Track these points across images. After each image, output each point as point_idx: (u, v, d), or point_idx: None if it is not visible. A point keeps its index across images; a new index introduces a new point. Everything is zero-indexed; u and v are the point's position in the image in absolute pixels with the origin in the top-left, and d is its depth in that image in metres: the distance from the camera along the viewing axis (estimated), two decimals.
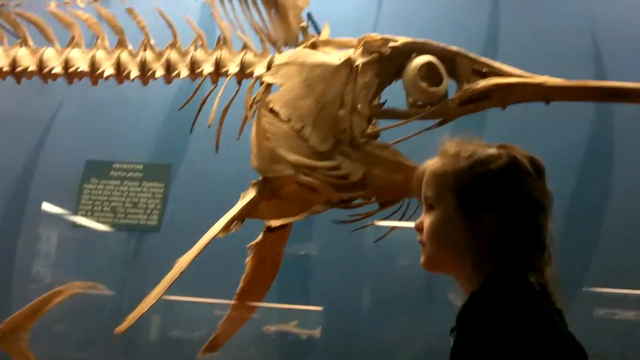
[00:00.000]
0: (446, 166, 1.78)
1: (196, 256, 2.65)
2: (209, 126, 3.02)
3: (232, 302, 3.30)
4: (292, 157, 2.66)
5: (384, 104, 2.80)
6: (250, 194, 2.80)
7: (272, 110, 2.73)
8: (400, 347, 4.44)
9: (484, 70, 2.64)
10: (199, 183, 4.42)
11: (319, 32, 3.14)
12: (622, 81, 2.49)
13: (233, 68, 3.09)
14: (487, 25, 4.64)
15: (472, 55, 2.66)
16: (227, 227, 2.75)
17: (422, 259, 1.87)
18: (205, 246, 2.67)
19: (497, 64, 2.63)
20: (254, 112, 2.86)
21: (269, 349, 4.60)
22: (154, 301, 2.64)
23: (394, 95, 2.75)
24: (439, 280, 4.40)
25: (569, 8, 4.62)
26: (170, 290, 2.67)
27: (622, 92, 2.48)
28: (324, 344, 4.52)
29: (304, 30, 2.99)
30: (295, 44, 3.00)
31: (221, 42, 3.18)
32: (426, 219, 1.81)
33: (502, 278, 1.67)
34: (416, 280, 4.51)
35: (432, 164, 1.82)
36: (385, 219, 2.81)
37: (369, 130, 2.77)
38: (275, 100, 2.74)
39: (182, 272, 2.63)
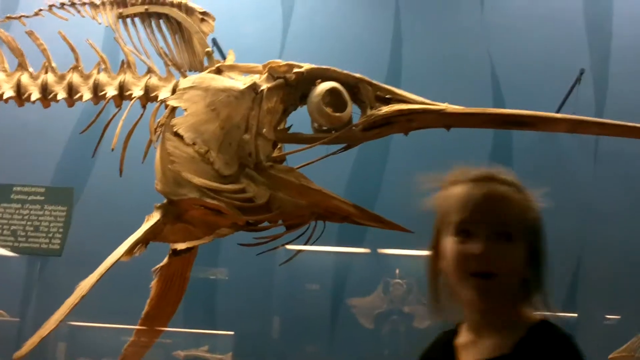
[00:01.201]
0: (527, 202, 1.74)
1: (98, 280, 2.61)
2: (112, 149, 2.99)
3: (136, 326, 3.25)
4: (197, 180, 2.65)
5: (289, 128, 2.85)
6: (155, 217, 2.78)
7: (176, 134, 2.73)
8: None
9: (387, 97, 2.70)
10: (104, 207, 4.37)
11: (224, 57, 3.16)
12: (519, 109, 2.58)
13: (137, 92, 3.08)
14: (390, 54, 4.75)
15: (375, 82, 2.72)
16: (130, 251, 2.72)
17: (488, 292, 1.72)
18: (107, 270, 2.64)
19: (399, 91, 2.70)
20: (159, 135, 2.85)
21: None
22: (54, 325, 2.59)
23: (303, 119, 2.79)
24: (344, 305, 4.48)
25: (470, 41, 4.76)
26: (75, 315, 2.62)
27: (520, 119, 2.57)
28: None
29: (209, 55, 3.00)
30: (200, 69, 3.01)
31: (125, 65, 3.15)
32: (505, 250, 1.71)
33: (552, 328, 1.71)
34: (324, 304, 4.55)
35: (502, 192, 1.74)
36: (292, 242, 2.83)
37: (275, 154, 2.80)
38: (180, 124, 2.74)
39: (82, 297, 2.59)
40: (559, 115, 2.53)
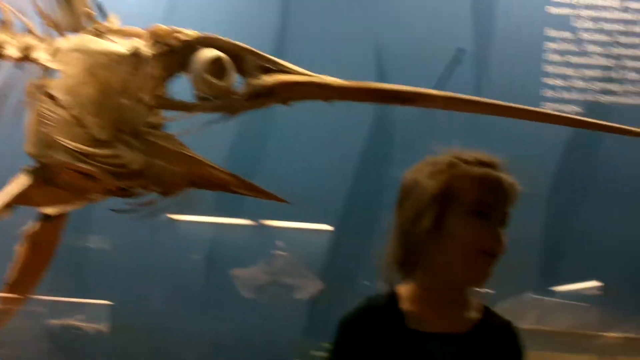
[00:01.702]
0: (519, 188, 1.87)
1: None
2: None
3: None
4: (69, 143, 2.58)
5: (169, 96, 2.79)
6: (23, 180, 2.70)
7: (51, 96, 2.64)
8: (188, 341, 4.43)
9: (270, 68, 2.68)
10: None
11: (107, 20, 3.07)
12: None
13: (12, 51, 2.96)
14: (277, 26, 4.73)
15: (259, 52, 2.70)
16: None
17: (490, 272, 1.85)
18: None
19: (282, 62, 2.68)
20: (32, 97, 2.76)
21: (53, 343, 4.45)
22: None
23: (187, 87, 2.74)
24: (226, 276, 4.46)
25: (356, 17, 4.78)
26: None
27: (399, 94, 2.59)
28: (112, 339, 4.43)
29: (91, 17, 2.90)
30: (79, 30, 2.90)
31: (1, 23, 3.03)
32: (504, 234, 1.84)
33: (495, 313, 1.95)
34: (206, 275, 4.53)
35: (513, 181, 1.86)
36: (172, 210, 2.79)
37: (155, 120, 2.75)
38: (56, 86, 2.66)
39: None
40: (435, 91, 2.55)
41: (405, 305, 1.86)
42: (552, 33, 4.79)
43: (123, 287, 4.45)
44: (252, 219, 4.68)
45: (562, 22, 4.80)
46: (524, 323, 3.78)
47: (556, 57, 4.78)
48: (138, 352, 4.40)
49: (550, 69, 4.77)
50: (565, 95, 4.75)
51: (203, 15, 4.61)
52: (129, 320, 4.44)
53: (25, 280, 3.15)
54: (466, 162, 1.88)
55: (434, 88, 2.58)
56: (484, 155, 1.90)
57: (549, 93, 4.73)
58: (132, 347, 4.40)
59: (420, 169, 1.93)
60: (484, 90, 4.55)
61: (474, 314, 1.88)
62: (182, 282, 4.58)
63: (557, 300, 4.10)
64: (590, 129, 2.54)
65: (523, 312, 3.88)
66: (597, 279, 4.48)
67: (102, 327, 4.44)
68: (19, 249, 3.11)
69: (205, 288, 4.55)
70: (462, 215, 1.81)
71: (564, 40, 4.80)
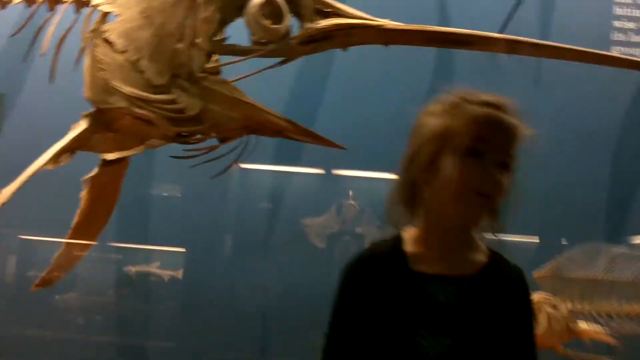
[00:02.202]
0: (524, 131, 1.80)
1: (19, 188, 2.56)
2: (43, 54, 2.90)
3: (67, 238, 3.22)
4: (127, 89, 2.58)
5: (225, 39, 2.76)
6: (82, 125, 2.72)
7: (107, 41, 2.64)
8: (262, 287, 4.48)
9: (326, 11, 2.63)
10: (36, 114, 4.26)
11: None
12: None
13: None
14: None
15: None
16: (55, 159, 2.67)
17: (482, 213, 1.80)
18: (28, 177, 2.59)
19: (339, 5, 2.63)
20: (90, 41, 2.76)
21: (131, 290, 4.55)
22: None
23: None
24: (297, 224, 4.47)
25: None
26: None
27: (458, 38, 2.54)
28: (187, 285, 4.51)
29: None
30: None
31: None
32: (505, 178, 1.77)
33: (504, 257, 1.87)
34: (276, 223, 4.56)
35: (515, 123, 1.79)
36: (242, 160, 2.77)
37: (211, 65, 2.73)
38: (112, 30, 2.66)
39: (3, 204, 2.54)
40: (496, 34, 2.50)
41: (409, 247, 1.84)
42: None
43: (195, 235, 4.50)
44: (321, 168, 4.67)
45: None
46: (592, 272, 3.76)
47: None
48: (211, 298, 4.47)
49: (620, 11, 4.60)
50: (635, 38, 4.59)
51: None
52: (201, 267, 4.50)
53: (89, 225, 3.21)
54: (470, 102, 1.82)
55: (499, 32, 2.53)
56: (490, 96, 1.83)
57: (619, 36, 4.58)
58: (205, 294, 4.47)
59: (426, 109, 1.89)
60: (552, 34, 4.42)
61: (480, 257, 1.84)
62: (253, 230, 4.61)
63: (626, 250, 4.01)
64: None
65: (591, 261, 3.82)
66: None
67: (177, 274, 4.51)
68: (83, 195, 3.15)
69: (275, 237, 4.58)
70: (458, 154, 1.77)
71: None
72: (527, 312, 1.84)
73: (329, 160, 4.49)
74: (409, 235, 1.87)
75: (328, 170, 4.65)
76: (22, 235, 4.39)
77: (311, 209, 4.61)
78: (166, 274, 4.52)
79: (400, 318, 1.76)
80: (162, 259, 4.54)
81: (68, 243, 3.23)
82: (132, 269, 4.52)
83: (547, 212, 4.23)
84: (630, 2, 4.60)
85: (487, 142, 1.77)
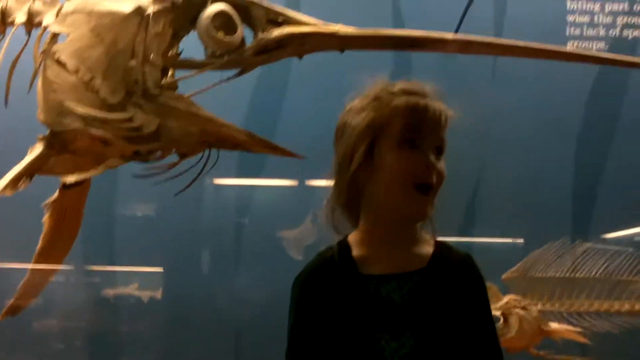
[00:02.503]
0: (449, 113, 1.82)
1: None
2: None
3: (30, 264, 3.19)
4: (81, 109, 2.54)
5: (180, 54, 2.75)
6: (38, 148, 2.69)
7: (58, 61, 2.61)
8: (241, 302, 4.47)
9: (279, 20, 2.62)
10: None
11: None
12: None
13: (20, 17, 2.93)
14: None
15: (266, 4, 2.64)
16: (13, 185, 2.63)
17: (428, 205, 1.79)
18: None
19: (291, 13, 2.62)
20: (41, 63, 2.73)
21: (109, 312, 4.52)
22: None
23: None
24: (273, 238, 4.45)
25: None
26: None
27: (412, 40, 2.54)
28: (166, 304, 4.48)
29: None
30: None
31: None
32: (441, 164, 1.79)
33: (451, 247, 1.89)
34: (253, 237, 4.54)
35: (442, 106, 1.80)
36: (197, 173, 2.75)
37: (167, 80, 2.71)
38: (62, 50, 2.62)
39: None
40: (449, 35, 2.49)
41: (355, 251, 1.84)
42: None
43: (172, 253, 4.47)
44: (294, 179, 4.65)
45: None
46: (560, 270, 3.78)
47: None
48: (191, 316, 4.44)
49: (573, 5, 4.64)
50: (590, 32, 4.63)
51: None
52: (180, 285, 4.47)
53: (54, 250, 3.18)
54: (391, 93, 1.84)
55: (453, 31, 2.53)
56: (409, 84, 1.87)
57: (575, 30, 4.62)
58: (185, 311, 4.45)
59: (349, 108, 1.90)
60: (507, 31, 4.45)
61: (427, 249, 1.84)
62: (229, 245, 4.59)
63: (593, 245, 4.04)
64: (617, 66, 2.47)
65: (559, 259, 3.84)
66: None
67: (156, 293, 4.48)
68: (45, 220, 3.12)
69: (251, 250, 4.56)
70: (391, 147, 1.77)
71: None
72: (482, 295, 1.84)
73: (302, 170, 4.48)
74: (354, 238, 1.87)
75: (301, 181, 4.64)
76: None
77: (286, 220, 4.60)
78: (145, 294, 4.49)
79: (359, 325, 1.76)
80: (140, 279, 4.51)
81: (33, 269, 3.19)
82: (111, 292, 4.48)
83: (512, 210, 4.26)
84: None
85: (418, 131, 1.77)
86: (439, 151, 1.79)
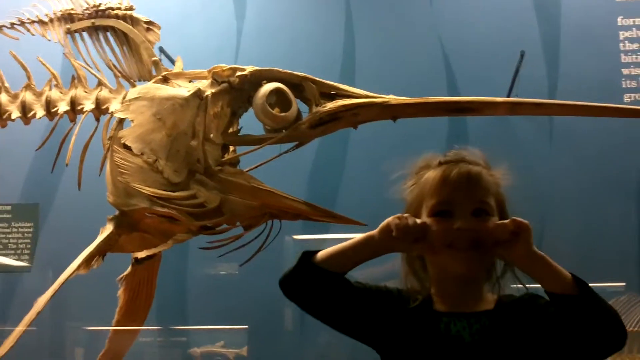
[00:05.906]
0: (497, 179, 1.89)
1: (53, 294, 2.66)
2: (67, 164, 3.03)
3: (109, 335, 3.29)
4: (147, 189, 2.69)
5: (238, 131, 2.87)
6: (108, 229, 2.83)
7: (124, 146, 2.77)
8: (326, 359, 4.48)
9: (331, 93, 2.72)
10: (68, 221, 4.39)
11: (174, 64, 3.19)
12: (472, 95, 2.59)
13: (89, 105, 3.12)
14: (342, 49, 4.75)
15: (319, 79, 2.75)
16: (86, 264, 2.77)
17: (470, 262, 1.83)
18: (62, 284, 2.68)
19: (343, 86, 2.72)
20: (109, 148, 2.89)
21: None
22: (12, 343, 2.64)
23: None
24: None
25: (421, 31, 4.74)
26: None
27: (461, 106, 2.59)
28: None
29: (156, 64, 3.03)
30: (148, 78, 3.04)
31: (76, 80, 3.20)
32: (481, 223, 1.80)
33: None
34: None
35: (476, 171, 1.86)
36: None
37: (229, 156, 2.83)
38: (127, 135, 2.78)
39: (39, 312, 2.64)
40: (498, 98, 2.53)
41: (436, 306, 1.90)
42: (625, 21, 4.65)
43: (256, 310, 4.52)
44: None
45: (633, 9, 4.65)
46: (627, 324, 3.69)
47: (633, 46, 4.63)
48: None
49: (627, 58, 4.62)
50: None
51: (270, 47, 4.68)
52: (265, 343, 4.51)
53: (130, 322, 3.27)
54: (427, 167, 1.93)
55: (507, 94, 2.58)
56: (450, 155, 1.93)
57: (631, 83, 4.58)
58: None
59: (403, 185, 1.99)
60: (561, 90, 4.45)
61: (491, 298, 1.89)
62: None
63: None
64: None
65: (627, 312, 3.76)
66: None
67: (242, 351, 4.53)
68: (120, 293, 3.24)
69: None
70: (427, 218, 1.83)
71: (638, 26, 4.65)
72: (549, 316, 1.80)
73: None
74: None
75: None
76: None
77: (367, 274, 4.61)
78: (231, 352, 4.54)
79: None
80: (226, 338, 4.57)
81: (111, 338, 3.29)
82: (198, 350, 4.56)
83: (575, 268, 4.21)
84: (637, 48, 4.62)
85: (450, 200, 1.83)
86: (480, 212, 1.81)
